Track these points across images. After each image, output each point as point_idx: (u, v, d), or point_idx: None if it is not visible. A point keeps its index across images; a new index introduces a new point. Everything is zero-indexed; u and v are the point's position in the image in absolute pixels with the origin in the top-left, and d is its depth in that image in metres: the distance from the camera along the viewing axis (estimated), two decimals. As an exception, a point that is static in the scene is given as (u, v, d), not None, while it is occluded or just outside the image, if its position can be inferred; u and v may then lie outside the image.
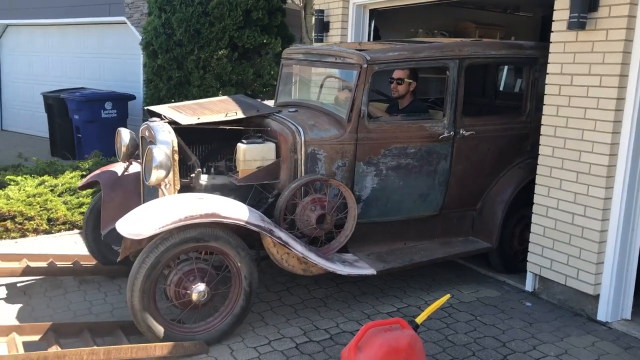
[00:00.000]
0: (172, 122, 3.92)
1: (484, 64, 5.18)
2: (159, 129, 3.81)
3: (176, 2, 7.79)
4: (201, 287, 3.49)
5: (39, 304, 4.08)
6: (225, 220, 3.43)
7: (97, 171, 4.55)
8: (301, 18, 8.47)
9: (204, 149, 4.31)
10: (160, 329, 3.38)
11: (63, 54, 11.84)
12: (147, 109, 4.29)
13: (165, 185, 3.72)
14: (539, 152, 4.30)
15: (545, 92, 4.24)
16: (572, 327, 3.95)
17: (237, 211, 3.52)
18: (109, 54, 10.91)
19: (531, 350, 3.63)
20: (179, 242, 3.36)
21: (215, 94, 7.70)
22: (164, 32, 7.91)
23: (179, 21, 7.74)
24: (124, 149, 4.32)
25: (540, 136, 4.29)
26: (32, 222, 5.50)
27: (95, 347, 3.23)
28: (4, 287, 4.33)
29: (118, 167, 4.49)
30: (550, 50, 4.17)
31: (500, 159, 4.62)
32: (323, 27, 6.59)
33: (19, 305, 4.05)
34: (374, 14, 6.32)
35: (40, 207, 5.65)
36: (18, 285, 4.38)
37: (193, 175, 3.90)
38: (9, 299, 4.15)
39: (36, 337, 3.38)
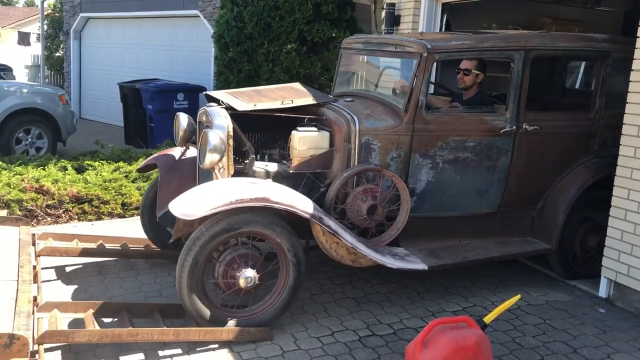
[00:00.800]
0: (229, 108, 3.94)
1: (552, 56, 4.91)
2: (215, 113, 3.85)
3: (248, -5, 7.93)
4: (248, 272, 3.49)
5: (113, 284, 4.26)
6: (275, 206, 3.43)
7: (156, 154, 4.64)
8: (371, 12, 8.41)
9: (261, 136, 4.30)
10: (206, 312, 3.42)
11: (138, 45, 12.30)
12: (206, 94, 4.32)
13: (219, 169, 3.75)
14: (619, 153, 4.10)
15: (628, 90, 4.03)
16: (649, 337, 3.76)
17: (287, 197, 3.51)
18: (182, 47, 11.24)
19: (605, 359, 3.48)
20: (213, 235, 3.36)
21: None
22: (236, 25, 8.06)
23: (251, 14, 7.86)
24: (181, 133, 4.36)
25: (621, 136, 4.08)
26: (107, 205, 5.75)
27: (165, 328, 3.34)
28: (81, 267, 4.54)
29: (176, 151, 4.55)
30: (636, 46, 3.96)
31: (565, 157, 4.40)
32: (394, 20, 6.53)
33: (95, 285, 4.24)
34: (447, 7, 6.20)
35: (115, 191, 5.90)
36: (94, 265, 4.59)
37: (247, 161, 3.91)
38: (85, 278, 4.35)
39: (111, 315, 3.54)
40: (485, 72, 4.62)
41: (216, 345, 3.41)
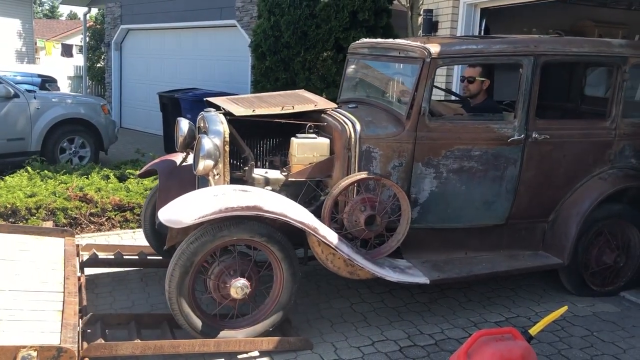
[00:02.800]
0: (227, 114, 3.89)
1: (564, 62, 4.68)
2: (212, 119, 3.82)
3: (285, 4, 7.98)
4: (240, 281, 3.42)
5: (156, 290, 4.31)
6: (266, 214, 3.34)
7: (156, 160, 4.61)
8: (407, 18, 8.37)
9: (264, 143, 4.24)
10: (198, 323, 3.38)
11: (177, 56, 12.51)
12: (206, 100, 4.27)
13: (214, 175, 3.71)
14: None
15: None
16: None
17: (281, 206, 3.43)
18: (219, 56, 11.39)
19: (657, 373, 3.36)
20: (201, 244, 3.31)
21: (319, 95, 7.80)
22: (273, 34, 8.12)
23: (287, 23, 7.92)
24: (181, 139, 4.26)
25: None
26: (148, 214, 5.83)
27: (206, 340, 3.35)
28: (126, 275, 4.61)
29: (176, 157, 4.51)
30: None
31: (578, 167, 4.18)
32: (431, 27, 6.51)
33: (137, 293, 4.30)
34: (486, 12, 6.13)
35: (156, 200, 5.98)
36: (136, 274, 4.65)
37: (246, 168, 3.86)
38: (128, 287, 4.42)
39: (153, 326, 3.56)
40: (492, 77, 4.44)
41: (257, 354, 3.42)
